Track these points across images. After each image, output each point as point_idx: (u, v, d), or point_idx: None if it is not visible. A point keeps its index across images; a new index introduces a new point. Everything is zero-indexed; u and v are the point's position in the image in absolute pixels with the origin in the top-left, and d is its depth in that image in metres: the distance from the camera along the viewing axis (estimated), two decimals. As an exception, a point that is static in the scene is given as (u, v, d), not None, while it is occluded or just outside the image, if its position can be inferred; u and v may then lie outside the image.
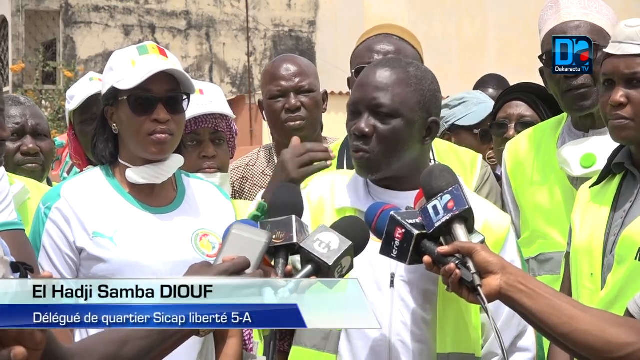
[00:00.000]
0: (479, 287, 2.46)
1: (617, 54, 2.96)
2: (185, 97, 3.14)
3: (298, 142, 3.35)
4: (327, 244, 2.55)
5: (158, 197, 3.17)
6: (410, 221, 2.60)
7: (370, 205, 2.73)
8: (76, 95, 4.17)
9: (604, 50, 3.01)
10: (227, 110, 3.75)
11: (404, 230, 2.58)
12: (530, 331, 2.87)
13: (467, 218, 2.57)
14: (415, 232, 2.57)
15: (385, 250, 2.63)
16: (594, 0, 3.63)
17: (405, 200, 2.77)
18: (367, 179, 2.89)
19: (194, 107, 3.32)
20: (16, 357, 1.80)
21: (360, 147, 2.85)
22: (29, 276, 2.12)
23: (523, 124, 4.26)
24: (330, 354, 2.82)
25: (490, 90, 5.28)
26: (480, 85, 5.51)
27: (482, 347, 2.86)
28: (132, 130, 3.11)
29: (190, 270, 2.44)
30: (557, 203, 3.56)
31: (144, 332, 2.29)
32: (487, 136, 4.62)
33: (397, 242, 2.60)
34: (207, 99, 3.67)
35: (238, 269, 2.39)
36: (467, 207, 2.56)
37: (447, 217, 2.56)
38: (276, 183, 3.18)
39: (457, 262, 2.51)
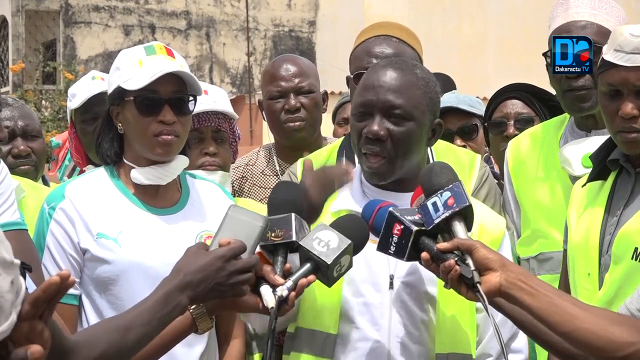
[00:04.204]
0: (478, 284, 2.44)
1: (625, 65, 2.91)
2: (191, 98, 3.14)
3: (311, 164, 3.21)
4: (326, 243, 2.54)
5: (162, 198, 3.17)
6: (409, 217, 2.56)
7: (367, 202, 2.71)
8: (78, 93, 4.16)
9: (605, 58, 2.98)
10: (230, 109, 3.76)
11: (402, 227, 2.55)
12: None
13: (466, 215, 2.55)
14: (414, 228, 2.54)
15: (383, 247, 2.59)
16: (605, 1, 3.60)
17: (402, 201, 2.75)
18: (377, 183, 2.87)
19: (197, 105, 3.33)
20: (33, 355, 1.80)
21: (377, 152, 2.82)
22: (27, 275, 2.13)
23: (521, 121, 4.27)
24: (327, 359, 2.81)
25: None
26: None
27: (476, 348, 2.87)
28: (138, 131, 3.11)
29: (186, 254, 2.44)
30: (558, 202, 3.54)
31: (144, 319, 2.30)
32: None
33: (395, 239, 2.56)
34: (211, 99, 3.68)
35: (235, 253, 2.39)
36: (467, 204, 2.54)
37: (447, 214, 2.53)
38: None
39: (456, 258, 2.48)
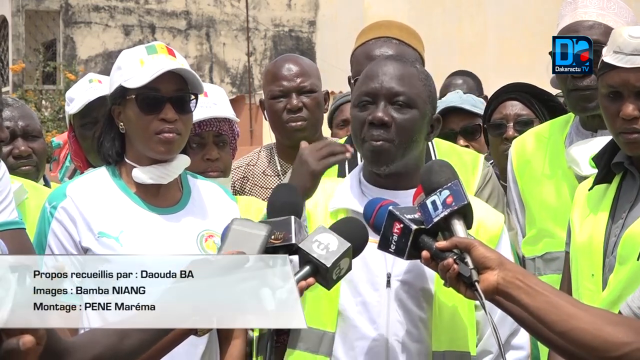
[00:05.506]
0: (476, 283, 2.45)
1: (625, 67, 2.91)
2: (192, 97, 3.15)
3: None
4: (325, 245, 2.54)
5: (164, 198, 3.17)
6: (409, 216, 2.58)
7: (369, 201, 2.72)
8: (76, 98, 4.13)
9: (605, 60, 2.97)
10: (230, 113, 3.76)
11: (402, 225, 2.57)
12: None
13: (465, 214, 2.56)
14: (414, 226, 2.56)
15: (383, 245, 2.61)
16: (614, 1, 3.59)
17: (401, 199, 2.76)
18: (379, 171, 2.88)
19: (198, 110, 3.32)
20: (25, 344, 1.80)
21: (381, 136, 2.84)
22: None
23: (521, 123, 4.26)
24: (324, 356, 2.83)
25: (460, 81, 5.28)
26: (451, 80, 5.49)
27: (477, 345, 2.87)
28: (140, 129, 3.11)
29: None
30: (564, 202, 3.52)
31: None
32: None
33: (395, 237, 2.58)
34: (211, 101, 3.68)
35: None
36: (465, 202, 2.55)
37: (445, 213, 2.54)
38: (298, 176, 3.02)
39: (455, 257, 2.49)
